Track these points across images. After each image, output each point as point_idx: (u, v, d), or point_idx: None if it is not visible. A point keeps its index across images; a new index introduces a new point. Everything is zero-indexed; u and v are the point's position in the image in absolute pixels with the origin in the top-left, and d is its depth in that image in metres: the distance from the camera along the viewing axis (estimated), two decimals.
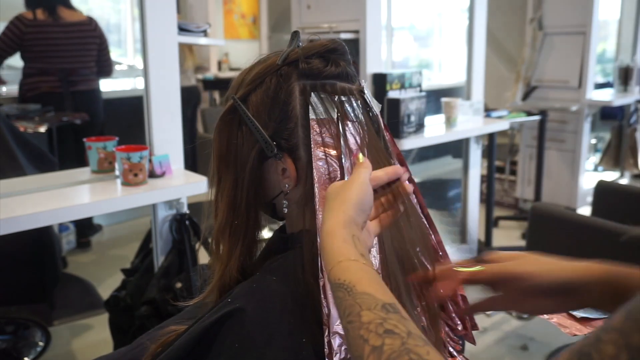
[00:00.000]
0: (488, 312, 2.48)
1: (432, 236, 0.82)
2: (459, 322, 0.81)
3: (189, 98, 3.93)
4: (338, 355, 0.63)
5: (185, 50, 3.99)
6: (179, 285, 1.79)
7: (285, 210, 0.76)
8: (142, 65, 1.83)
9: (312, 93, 0.73)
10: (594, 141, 4.67)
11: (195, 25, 2.43)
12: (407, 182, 0.75)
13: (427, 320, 0.77)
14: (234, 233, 0.76)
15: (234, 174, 0.76)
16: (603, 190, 2.43)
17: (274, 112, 0.72)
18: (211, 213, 0.79)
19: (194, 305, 0.86)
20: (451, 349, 0.78)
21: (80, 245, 3.28)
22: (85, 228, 3.31)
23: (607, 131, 4.55)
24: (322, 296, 0.65)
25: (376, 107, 0.77)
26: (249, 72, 0.76)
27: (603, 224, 1.99)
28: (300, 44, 0.76)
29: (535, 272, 0.67)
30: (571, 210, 3.11)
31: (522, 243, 3.44)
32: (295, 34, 0.76)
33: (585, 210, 4.00)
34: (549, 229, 2.17)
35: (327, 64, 0.74)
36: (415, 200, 0.83)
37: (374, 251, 0.72)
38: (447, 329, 0.80)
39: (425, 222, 0.82)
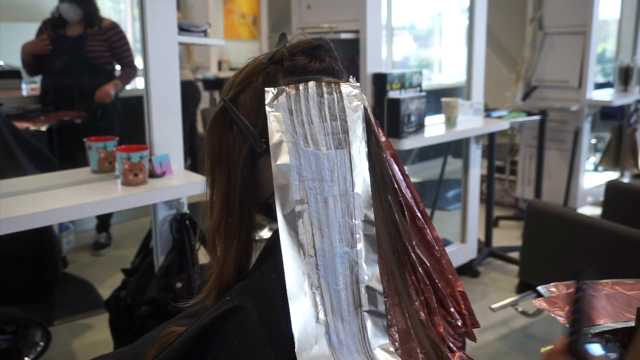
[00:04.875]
0: (493, 306, 2.48)
1: (428, 231, 0.82)
2: (458, 318, 0.81)
3: (189, 93, 3.94)
4: None
5: (184, 49, 4.00)
6: (179, 285, 1.80)
7: None
8: (142, 65, 1.84)
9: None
10: (594, 141, 4.67)
11: (195, 25, 2.43)
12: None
13: (425, 314, 0.78)
14: (229, 232, 0.76)
15: (226, 173, 0.76)
16: (614, 191, 2.45)
17: (263, 110, 0.73)
18: (207, 213, 0.80)
19: (194, 305, 0.86)
20: (451, 345, 0.78)
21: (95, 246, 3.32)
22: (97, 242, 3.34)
23: (607, 131, 4.55)
24: None
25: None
26: (239, 73, 0.78)
27: (597, 221, 2.01)
28: (287, 44, 0.77)
29: None
30: (570, 210, 3.12)
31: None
32: (283, 36, 0.77)
33: (585, 210, 4.00)
34: (545, 226, 2.19)
35: (312, 60, 0.75)
36: (409, 194, 0.83)
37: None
38: (446, 325, 0.80)
39: (421, 217, 0.82)
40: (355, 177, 0.72)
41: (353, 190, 0.72)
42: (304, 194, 0.70)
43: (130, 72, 3.05)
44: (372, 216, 0.72)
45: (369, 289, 0.70)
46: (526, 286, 2.58)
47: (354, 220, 0.71)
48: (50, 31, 2.96)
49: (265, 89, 0.73)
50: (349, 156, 0.73)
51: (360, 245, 0.71)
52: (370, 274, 0.71)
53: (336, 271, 0.70)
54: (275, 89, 0.73)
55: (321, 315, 0.67)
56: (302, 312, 0.67)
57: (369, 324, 0.69)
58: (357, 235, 0.71)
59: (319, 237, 0.70)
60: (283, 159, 0.70)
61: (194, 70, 4.39)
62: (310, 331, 0.66)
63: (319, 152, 0.71)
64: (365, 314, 0.69)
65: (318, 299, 0.68)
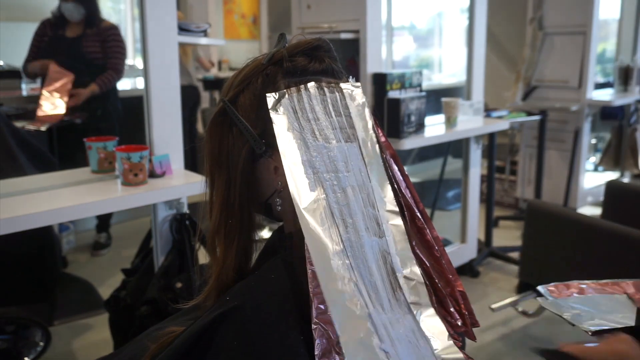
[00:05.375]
0: (493, 306, 2.48)
1: (428, 231, 0.83)
2: (458, 318, 0.81)
3: (182, 98, 3.94)
4: (319, 346, 0.64)
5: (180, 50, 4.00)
6: (179, 285, 1.80)
7: (279, 208, 0.77)
8: (142, 65, 1.84)
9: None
10: (594, 141, 4.67)
11: (195, 25, 2.43)
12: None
13: None
14: (229, 233, 0.76)
15: (226, 174, 0.76)
16: (614, 191, 2.45)
17: (262, 111, 0.73)
18: (207, 214, 0.80)
19: (193, 305, 0.86)
20: None
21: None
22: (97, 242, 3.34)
23: (607, 131, 4.55)
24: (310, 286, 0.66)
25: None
26: (238, 74, 0.78)
27: (597, 221, 2.02)
28: (287, 44, 0.77)
29: None
30: (570, 210, 3.12)
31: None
32: (282, 36, 0.77)
33: (585, 210, 4.00)
34: (545, 226, 2.19)
35: (311, 60, 0.75)
36: (409, 195, 0.83)
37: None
38: (446, 325, 0.80)
39: (421, 217, 0.82)
40: (369, 170, 0.72)
41: (370, 182, 0.72)
42: (320, 186, 0.70)
43: (111, 75, 3.01)
44: (395, 207, 0.72)
45: (407, 279, 0.69)
46: (526, 286, 2.57)
47: (376, 210, 0.71)
48: (49, 31, 2.97)
49: (267, 94, 0.73)
50: (359, 149, 0.73)
51: (390, 235, 0.70)
52: (407, 263, 0.70)
53: (367, 261, 0.68)
54: (277, 94, 0.73)
55: (359, 306, 0.65)
56: (340, 305, 0.64)
57: (419, 315, 0.69)
58: (384, 225, 0.71)
59: (342, 227, 0.69)
60: (294, 157, 0.70)
61: (188, 72, 4.37)
62: (353, 324, 0.65)
63: (329, 145, 0.72)
64: (411, 305, 0.69)
65: (353, 288, 0.66)
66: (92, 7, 3.00)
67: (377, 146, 0.75)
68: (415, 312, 0.69)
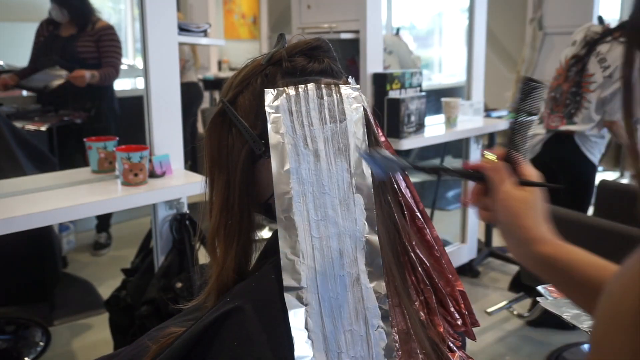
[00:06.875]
0: (488, 310, 2.48)
1: (428, 231, 0.83)
2: (458, 318, 0.81)
3: (192, 94, 3.97)
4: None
5: (190, 51, 4.02)
6: (179, 285, 1.80)
7: None
8: (142, 65, 1.84)
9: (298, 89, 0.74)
10: None
11: (195, 25, 2.43)
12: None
13: (425, 314, 0.78)
14: (229, 234, 0.76)
15: (226, 175, 0.76)
16: (606, 190, 2.44)
17: (261, 111, 0.73)
18: (206, 214, 0.80)
19: (193, 306, 0.86)
20: (451, 344, 0.78)
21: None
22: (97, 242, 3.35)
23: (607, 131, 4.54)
24: None
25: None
26: (238, 74, 0.78)
27: (596, 221, 2.01)
28: (286, 44, 0.77)
29: None
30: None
31: None
32: (281, 36, 0.77)
33: None
34: None
35: (310, 61, 0.75)
36: (409, 194, 0.83)
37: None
38: (446, 325, 0.80)
39: (421, 217, 0.82)
40: (355, 180, 0.72)
41: (353, 194, 0.72)
42: (303, 197, 0.70)
43: (110, 70, 3.00)
44: (374, 220, 0.72)
45: (374, 306, 0.70)
46: (518, 286, 2.56)
47: (355, 225, 0.71)
48: (45, 31, 2.97)
49: (265, 89, 0.73)
50: (348, 159, 0.73)
51: (363, 252, 0.71)
52: (375, 284, 0.71)
53: (336, 281, 0.69)
54: (275, 90, 0.72)
55: (312, 323, 0.67)
56: (298, 318, 0.67)
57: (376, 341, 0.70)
58: (359, 242, 0.71)
59: (317, 241, 0.70)
60: (283, 162, 0.70)
61: (197, 71, 4.40)
62: (306, 340, 0.67)
63: (319, 154, 0.71)
64: (373, 331, 0.70)
65: (315, 306, 0.67)
66: (77, 9, 2.99)
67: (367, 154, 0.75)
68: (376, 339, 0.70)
